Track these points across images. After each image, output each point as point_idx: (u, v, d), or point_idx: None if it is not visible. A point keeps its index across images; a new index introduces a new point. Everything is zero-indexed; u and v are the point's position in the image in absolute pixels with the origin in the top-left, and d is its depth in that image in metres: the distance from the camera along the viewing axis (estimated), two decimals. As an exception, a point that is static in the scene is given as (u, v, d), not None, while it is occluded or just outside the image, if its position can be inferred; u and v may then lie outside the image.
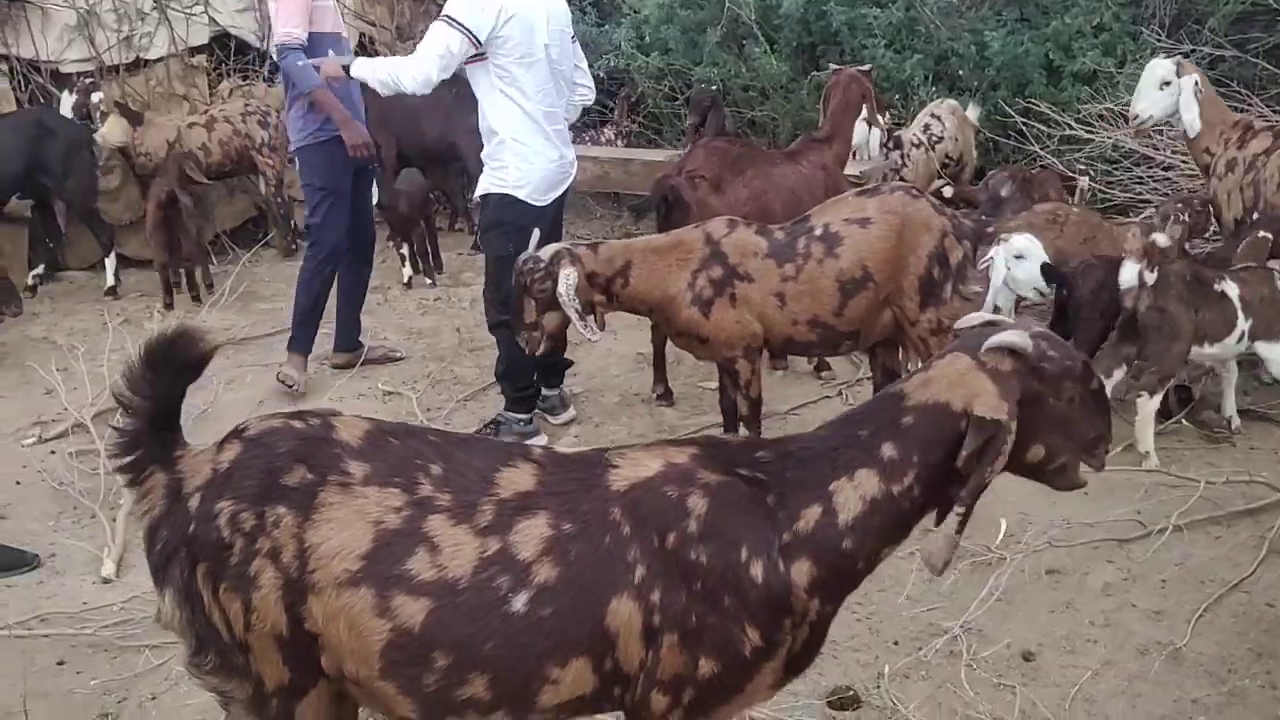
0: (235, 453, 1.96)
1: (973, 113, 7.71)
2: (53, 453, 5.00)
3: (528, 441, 4.93)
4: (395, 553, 1.89)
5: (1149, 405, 4.61)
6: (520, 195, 4.55)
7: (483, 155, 4.68)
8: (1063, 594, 3.73)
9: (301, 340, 5.64)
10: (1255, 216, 5.10)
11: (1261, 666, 3.34)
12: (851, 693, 3.23)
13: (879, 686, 3.25)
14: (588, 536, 1.94)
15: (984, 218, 4.27)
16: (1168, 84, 5.38)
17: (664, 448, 2.08)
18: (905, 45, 8.57)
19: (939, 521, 2.11)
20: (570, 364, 5.36)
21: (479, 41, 4.41)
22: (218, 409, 5.25)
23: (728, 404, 4.43)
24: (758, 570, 1.94)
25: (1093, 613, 3.62)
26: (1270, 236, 4.72)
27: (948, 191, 6.99)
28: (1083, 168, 7.14)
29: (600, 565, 1.93)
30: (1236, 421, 4.98)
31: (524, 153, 4.55)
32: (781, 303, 4.07)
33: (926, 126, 7.42)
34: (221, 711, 2.12)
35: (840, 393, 5.51)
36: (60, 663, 3.46)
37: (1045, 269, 4.84)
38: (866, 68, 6.26)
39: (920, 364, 4.36)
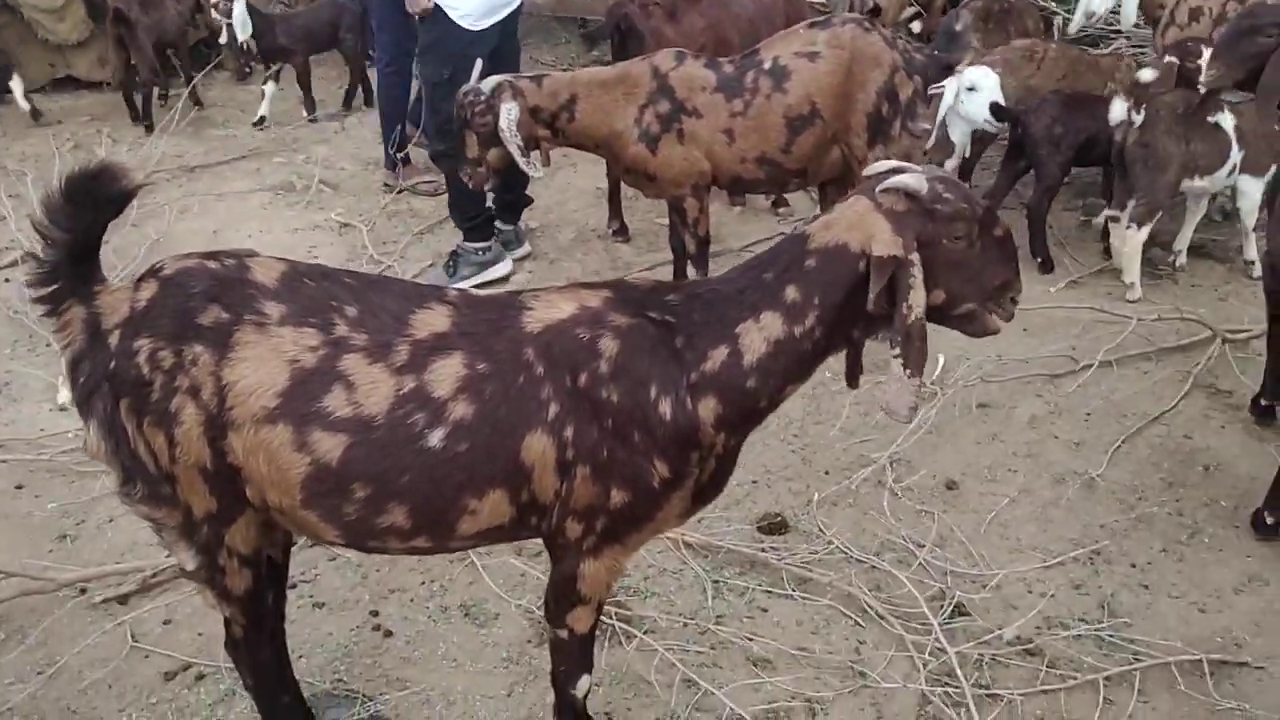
0: (152, 292, 1.99)
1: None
2: (6, 281, 5.00)
3: (494, 267, 4.97)
4: (311, 390, 1.95)
5: (1137, 236, 4.65)
6: (454, 16, 4.40)
7: None
8: (990, 426, 3.88)
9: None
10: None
11: (1171, 495, 3.52)
12: (780, 518, 3.40)
13: (807, 513, 3.42)
14: (502, 376, 2.00)
15: (937, 53, 4.20)
16: None
17: (577, 290, 2.12)
18: None
19: (851, 370, 2.18)
20: (530, 201, 5.33)
21: None
22: (170, 238, 5.24)
23: (676, 242, 4.47)
24: (665, 408, 2.02)
25: (1016, 444, 3.78)
26: (1177, 61, 4.69)
27: (916, 26, 6.85)
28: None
29: (515, 403, 2.00)
30: (1183, 260, 5.06)
31: None
32: (730, 139, 4.04)
33: (899, -50, 7.17)
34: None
35: (796, 229, 5.52)
36: (19, 486, 3.57)
37: (994, 107, 4.80)
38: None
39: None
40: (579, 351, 2.02)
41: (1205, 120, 4.59)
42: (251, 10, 6.86)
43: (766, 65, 4.04)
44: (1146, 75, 4.56)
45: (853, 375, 2.19)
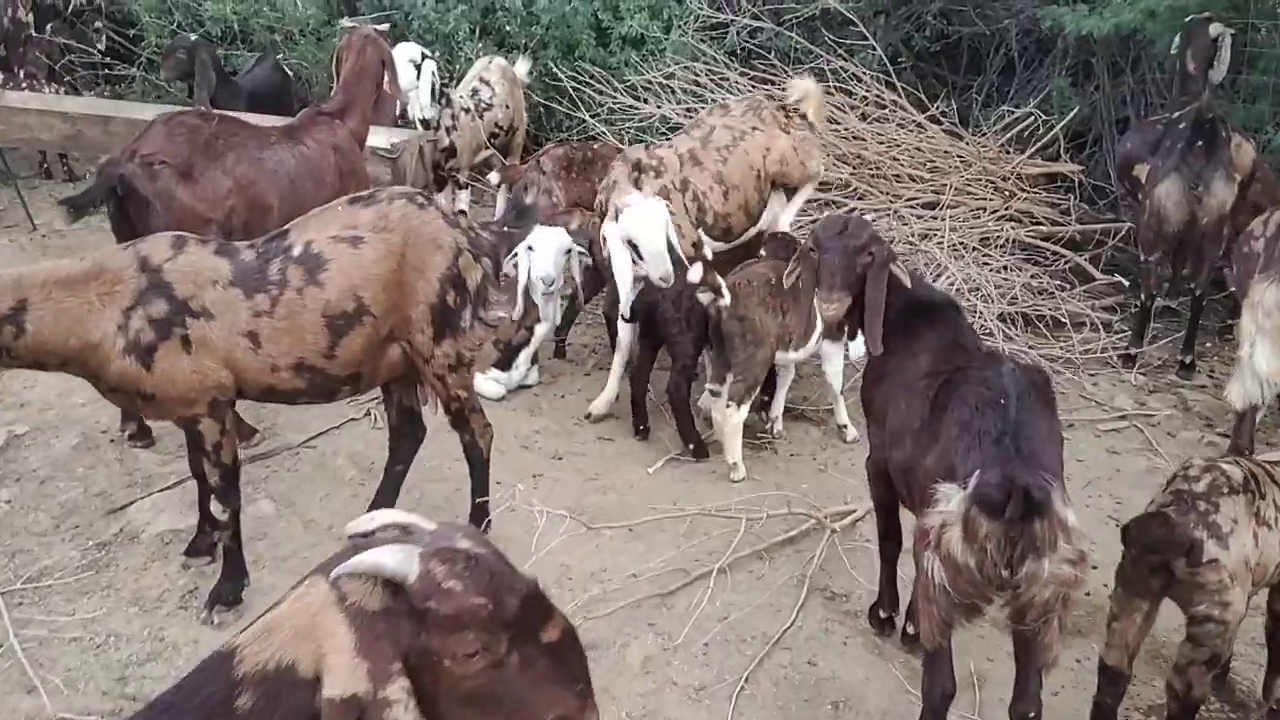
0: None
1: (521, 68, 7.09)
2: None
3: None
4: None
5: (737, 415, 4.33)
6: None
7: None
8: (600, 676, 3.23)
9: None
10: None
11: (801, 740, 3.04)
12: None
13: None
14: None
15: (505, 229, 3.64)
16: None
17: None
18: (449, -6, 7.79)
19: None
20: None
21: None
22: None
23: (197, 467, 3.49)
24: None
25: (631, 700, 3.16)
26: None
27: (494, 178, 6.36)
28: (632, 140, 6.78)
29: None
30: (780, 426, 4.82)
31: None
32: (255, 344, 3.17)
33: (475, 91, 6.69)
34: None
35: (369, 412, 4.71)
36: None
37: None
38: (384, 26, 5.37)
39: (443, 403, 3.75)
40: None
41: (797, 290, 4.37)
42: None
43: (297, 252, 3.23)
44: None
45: None
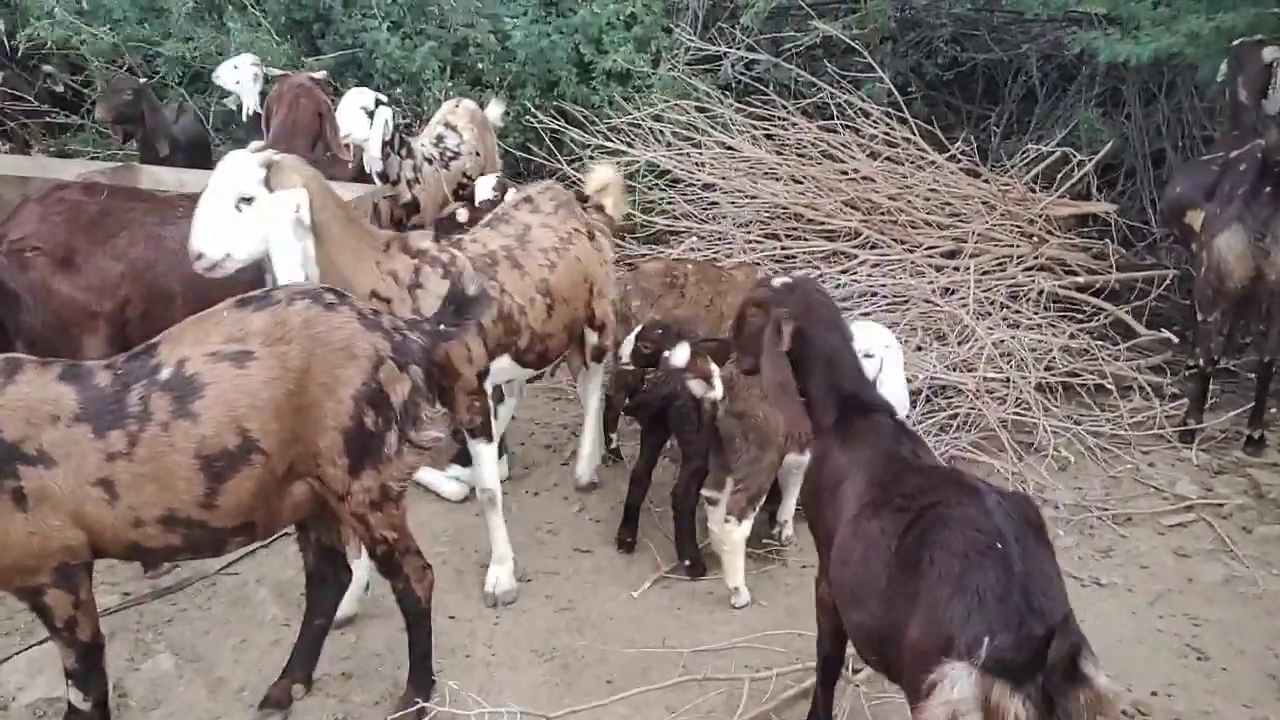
0: None
1: (494, 110, 6.42)
2: None
3: None
4: None
5: (738, 531, 3.61)
6: None
7: None
8: None
9: None
10: None
11: None
12: None
13: None
14: None
15: (442, 326, 2.93)
16: None
17: None
18: (415, 30, 7.14)
19: None
20: None
21: None
22: None
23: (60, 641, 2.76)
24: None
25: None
26: None
27: (462, 215, 5.66)
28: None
29: None
30: (790, 530, 4.10)
31: None
32: (110, 495, 2.48)
33: (440, 138, 5.99)
34: None
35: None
36: None
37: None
38: (320, 74, 4.69)
39: (367, 545, 3.06)
40: None
41: None
42: None
43: (165, 375, 2.54)
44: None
45: None
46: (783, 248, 5.87)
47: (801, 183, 6.03)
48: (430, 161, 5.81)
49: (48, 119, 7.73)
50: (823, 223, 5.86)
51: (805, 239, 5.92)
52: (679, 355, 3.72)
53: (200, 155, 6.44)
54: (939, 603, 2.12)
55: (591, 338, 4.18)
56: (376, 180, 5.55)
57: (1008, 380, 4.75)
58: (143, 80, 6.20)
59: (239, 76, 5.96)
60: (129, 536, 2.55)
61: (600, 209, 4.40)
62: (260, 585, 3.73)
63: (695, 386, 3.68)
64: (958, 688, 2.00)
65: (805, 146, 6.26)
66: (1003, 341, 4.95)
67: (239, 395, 2.54)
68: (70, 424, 2.45)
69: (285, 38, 7.40)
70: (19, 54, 7.89)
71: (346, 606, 3.41)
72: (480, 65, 7.05)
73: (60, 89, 8.03)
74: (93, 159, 6.96)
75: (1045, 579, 2.12)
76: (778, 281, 2.83)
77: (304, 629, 3.14)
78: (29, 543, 2.44)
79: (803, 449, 3.71)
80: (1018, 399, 4.69)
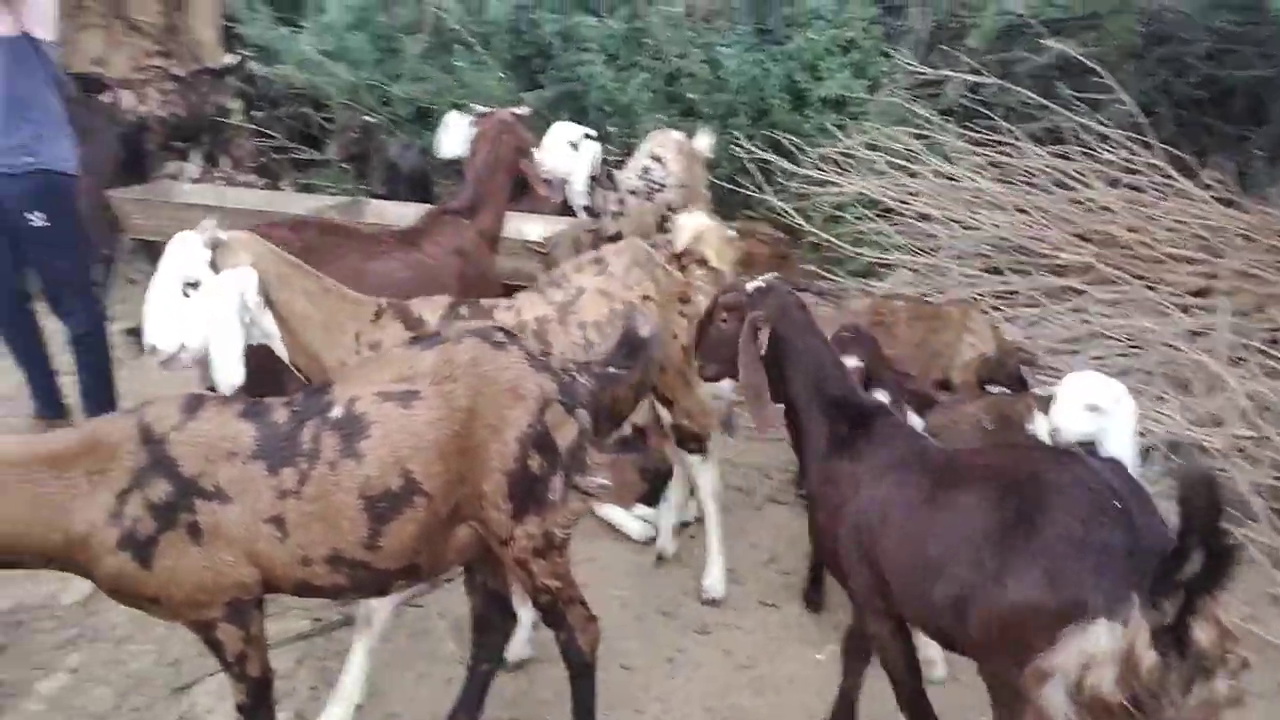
0: None
1: (702, 141, 6.31)
2: None
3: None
4: None
5: None
6: None
7: None
8: None
9: None
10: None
11: None
12: None
13: None
14: None
15: (611, 369, 2.82)
16: None
17: None
18: (629, 62, 7.16)
19: None
20: None
21: None
22: None
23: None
24: None
25: None
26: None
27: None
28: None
29: None
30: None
31: None
32: (281, 532, 2.50)
33: (645, 170, 5.95)
34: None
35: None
36: None
37: None
38: (523, 110, 4.73)
39: (529, 594, 2.97)
40: None
41: (1021, 429, 3.35)
42: None
43: (336, 413, 2.54)
44: None
45: None
46: (1004, 282, 5.48)
47: (1027, 213, 5.61)
48: (634, 194, 5.77)
49: (292, 155, 8.25)
50: (1050, 256, 5.42)
51: (1030, 273, 5.49)
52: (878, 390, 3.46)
53: (423, 190, 6.71)
54: (1061, 561, 2.11)
55: (665, 415, 3.74)
56: (581, 214, 5.57)
57: (1264, 438, 4.17)
58: (369, 119, 6.49)
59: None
60: (297, 574, 2.56)
61: (703, 263, 3.78)
62: (441, 619, 3.74)
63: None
64: (1098, 640, 2.03)
65: (1034, 174, 5.82)
66: (1260, 393, 4.36)
67: (403, 436, 2.51)
68: (247, 461, 2.49)
69: (509, 74, 7.61)
70: (271, 94, 8.52)
71: (518, 649, 3.35)
72: (692, 95, 6.99)
73: (307, 127, 8.61)
74: (329, 193, 7.38)
75: (1163, 536, 2.09)
76: (750, 285, 2.80)
77: (470, 674, 3.09)
78: (202, 577, 2.49)
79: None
80: (1275, 460, 4.11)
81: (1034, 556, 2.13)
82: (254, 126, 8.13)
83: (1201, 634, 1.98)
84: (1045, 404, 3.43)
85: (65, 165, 4.50)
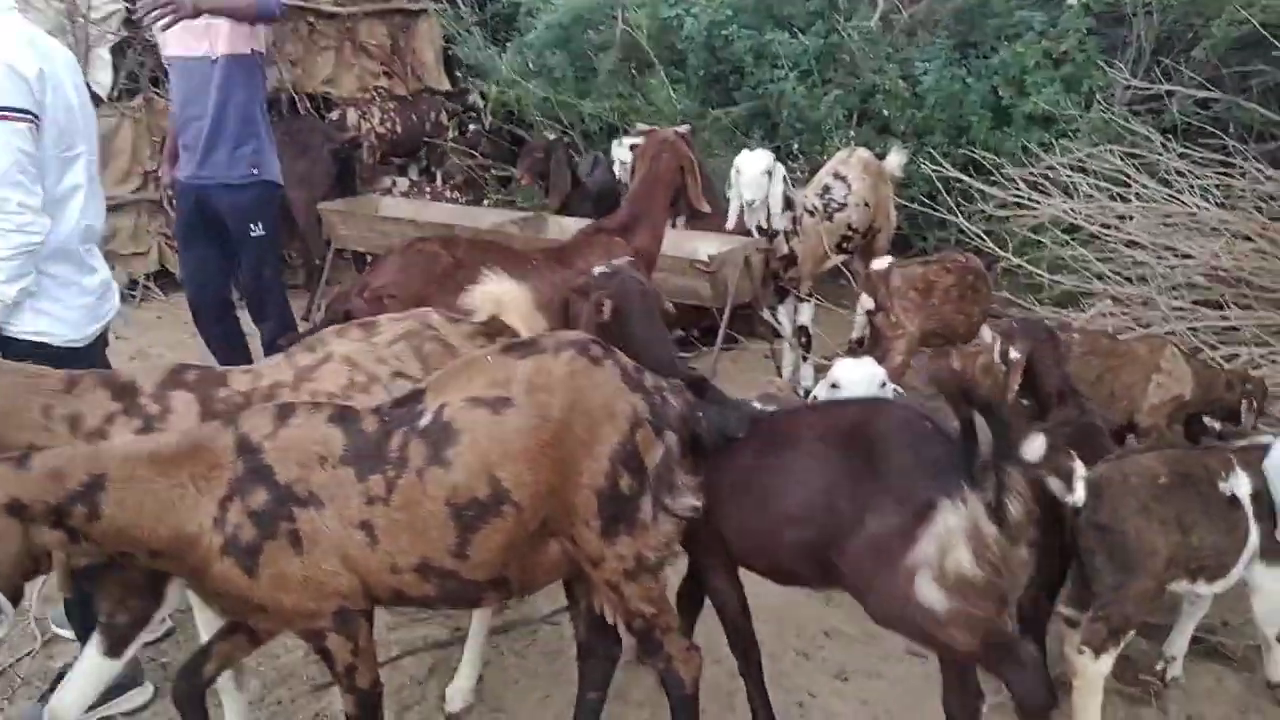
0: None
1: (894, 160, 6.04)
2: None
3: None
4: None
5: (1095, 667, 2.94)
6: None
7: None
8: None
9: None
10: None
11: None
12: None
13: None
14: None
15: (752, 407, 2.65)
16: None
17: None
18: (822, 78, 6.96)
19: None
20: None
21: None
22: None
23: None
24: None
25: None
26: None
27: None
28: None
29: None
30: (1178, 670, 3.31)
31: None
32: (371, 539, 2.49)
33: (826, 189, 5.75)
34: None
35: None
36: None
37: None
38: (685, 128, 4.62)
39: (622, 619, 2.84)
40: None
41: (1215, 489, 2.94)
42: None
43: (425, 420, 2.51)
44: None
45: None
46: (1222, 317, 4.91)
47: (1252, 239, 5.01)
48: (812, 213, 5.58)
49: (492, 171, 8.52)
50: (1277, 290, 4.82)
51: (1254, 308, 4.90)
52: (1033, 447, 3.11)
53: (609, 205, 6.76)
54: (904, 484, 2.42)
55: None
56: (754, 233, 5.42)
57: None
58: (553, 137, 6.60)
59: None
60: (389, 583, 2.55)
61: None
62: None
63: (1052, 486, 3.06)
64: (947, 522, 2.35)
65: (1264, 200, 5.21)
66: None
67: (492, 443, 2.46)
68: (336, 466, 2.49)
69: (703, 92, 7.58)
70: (483, 113, 8.85)
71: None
72: (886, 112, 6.71)
73: (512, 144, 8.90)
74: (521, 209, 7.55)
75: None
76: (598, 269, 3.13)
77: (579, 703, 3.00)
78: (306, 585, 2.51)
79: (1195, 577, 2.97)
80: None
81: (884, 492, 2.43)
82: (459, 146, 8.44)
83: (1013, 507, 2.33)
84: (1248, 458, 3.02)
85: (279, 177, 4.77)
